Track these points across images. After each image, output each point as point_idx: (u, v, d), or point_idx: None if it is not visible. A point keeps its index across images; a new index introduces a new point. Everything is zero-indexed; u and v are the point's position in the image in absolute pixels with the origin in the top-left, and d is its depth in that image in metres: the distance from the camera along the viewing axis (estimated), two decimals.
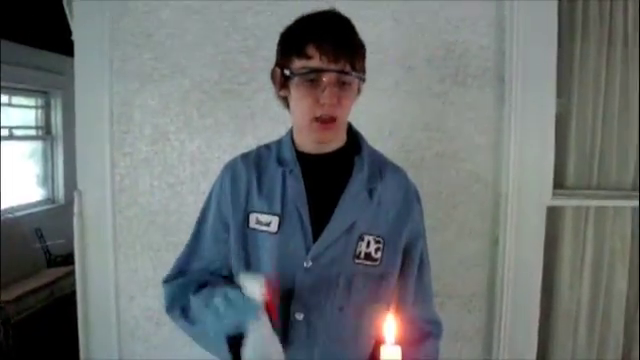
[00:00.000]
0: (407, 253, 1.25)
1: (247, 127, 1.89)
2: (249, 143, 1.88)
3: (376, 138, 1.89)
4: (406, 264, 1.25)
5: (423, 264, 1.30)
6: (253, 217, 1.21)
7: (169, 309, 1.29)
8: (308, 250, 1.16)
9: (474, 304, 1.96)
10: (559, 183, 1.98)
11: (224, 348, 1.08)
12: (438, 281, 1.94)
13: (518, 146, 1.86)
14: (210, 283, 1.22)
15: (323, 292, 1.16)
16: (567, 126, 2.00)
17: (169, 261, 1.94)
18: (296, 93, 1.15)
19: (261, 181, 1.23)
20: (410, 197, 1.27)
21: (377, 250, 1.19)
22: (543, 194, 1.91)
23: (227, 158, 1.87)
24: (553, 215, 2.01)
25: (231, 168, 1.29)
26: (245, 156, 1.30)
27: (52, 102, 5.47)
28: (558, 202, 1.97)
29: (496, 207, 1.91)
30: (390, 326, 0.72)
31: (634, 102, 1.98)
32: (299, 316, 1.17)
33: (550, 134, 1.89)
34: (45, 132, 5.48)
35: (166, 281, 1.32)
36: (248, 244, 1.21)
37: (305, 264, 1.16)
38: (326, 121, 1.14)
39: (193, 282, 1.26)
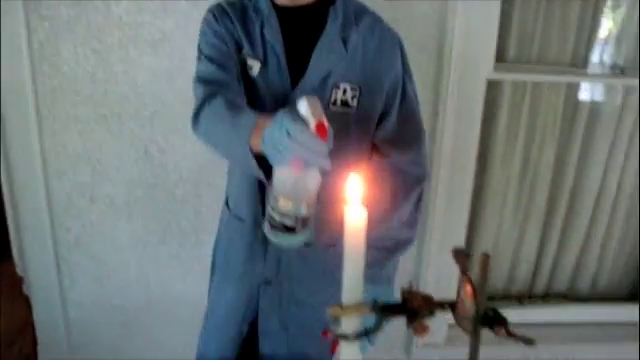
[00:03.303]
0: (388, 100, 1.28)
1: None
2: (183, 7, 1.74)
3: None
4: (386, 111, 1.28)
5: (408, 110, 1.31)
6: (244, 55, 1.23)
7: (202, 104, 1.16)
8: (286, 97, 1.20)
9: None
10: (500, 57, 1.99)
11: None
12: None
13: (463, 17, 1.82)
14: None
15: None
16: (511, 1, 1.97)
17: (100, 135, 1.85)
18: None
19: (246, 25, 1.24)
20: (387, 45, 1.28)
21: (353, 97, 1.23)
22: (485, 67, 1.91)
23: (159, 23, 1.75)
24: (492, 89, 2.03)
25: (218, 7, 1.26)
26: (229, 2, 1.27)
27: None
28: (498, 76, 1.98)
29: (438, 78, 1.89)
30: (354, 185, 0.64)
31: None
32: None
33: (495, 7, 1.85)
34: None
35: (199, 80, 1.21)
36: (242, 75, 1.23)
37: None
38: None
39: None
